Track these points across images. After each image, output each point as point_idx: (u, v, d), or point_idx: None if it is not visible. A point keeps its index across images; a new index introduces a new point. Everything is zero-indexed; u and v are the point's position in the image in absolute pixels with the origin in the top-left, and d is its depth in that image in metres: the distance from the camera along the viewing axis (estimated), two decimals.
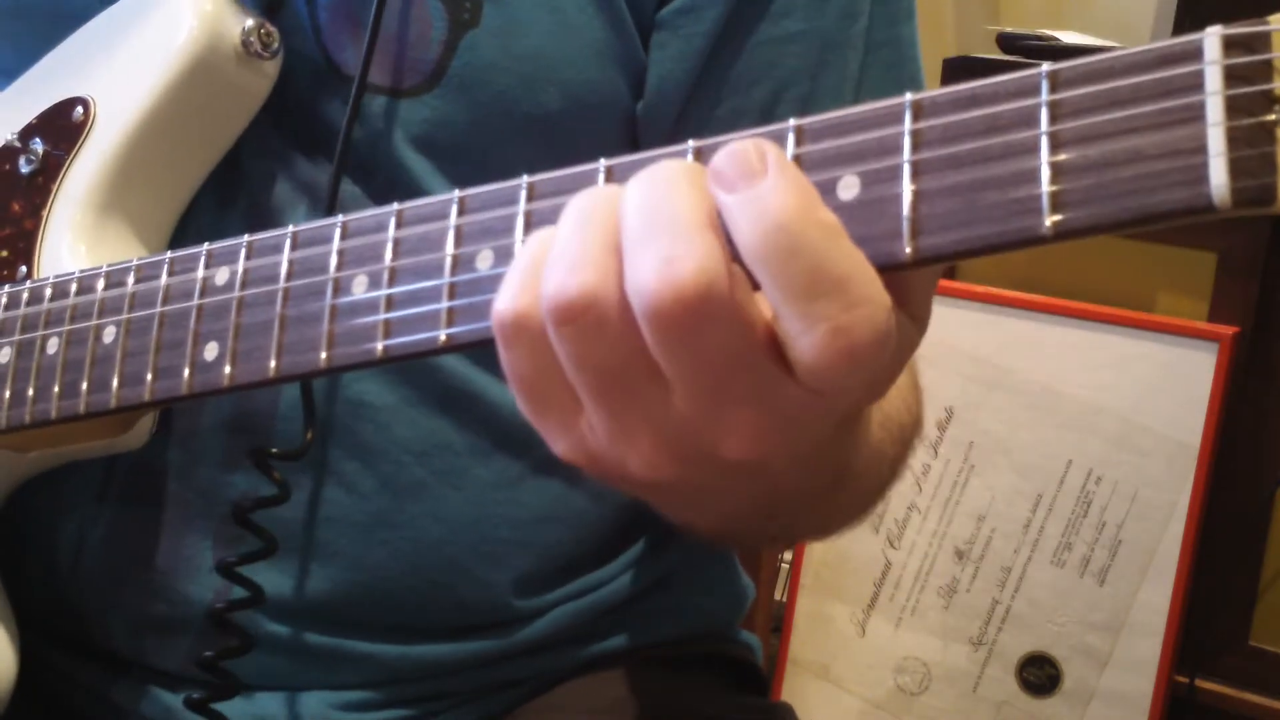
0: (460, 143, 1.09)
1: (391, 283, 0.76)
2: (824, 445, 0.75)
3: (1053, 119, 0.59)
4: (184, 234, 1.09)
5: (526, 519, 1.17)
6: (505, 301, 0.68)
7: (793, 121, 0.66)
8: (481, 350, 1.11)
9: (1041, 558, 2.69)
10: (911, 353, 0.72)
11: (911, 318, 0.70)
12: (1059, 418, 2.67)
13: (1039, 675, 2.69)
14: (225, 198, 1.10)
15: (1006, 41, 2.71)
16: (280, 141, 1.10)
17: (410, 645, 1.17)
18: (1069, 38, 2.73)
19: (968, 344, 2.70)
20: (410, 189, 1.08)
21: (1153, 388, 2.61)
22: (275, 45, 1.06)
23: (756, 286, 0.65)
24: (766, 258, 0.63)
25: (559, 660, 1.24)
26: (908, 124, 0.63)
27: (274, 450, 1.09)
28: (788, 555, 2.91)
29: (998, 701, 2.72)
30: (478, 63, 1.07)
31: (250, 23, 1.04)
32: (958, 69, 2.69)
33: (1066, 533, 2.67)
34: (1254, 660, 2.73)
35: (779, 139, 0.66)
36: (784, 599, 2.90)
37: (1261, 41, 0.54)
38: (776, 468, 0.73)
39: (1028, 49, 2.66)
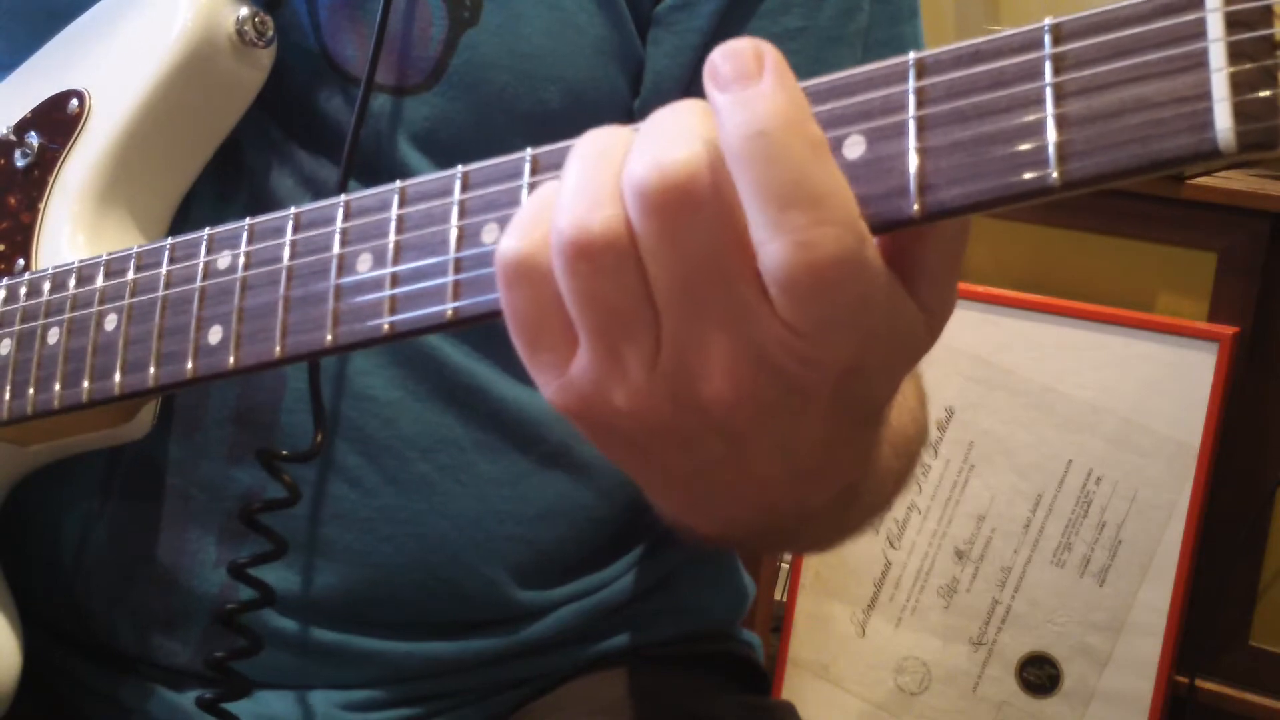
0: (461, 140, 1.09)
1: (396, 260, 0.76)
2: (825, 452, 0.74)
3: (1056, 71, 0.59)
4: (185, 227, 1.09)
5: (531, 515, 1.17)
6: (512, 240, 0.68)
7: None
8: (487, 340, 1.12)
9: (1041, 558, 2.69)
10: (919, 348, 0.71)
11: (923, 307, 0.68)
12: (1059, 418, 2.67)
13: (1039, 675, 2.69)
14: (226, 191, 1.10)
15: None
16: (281, 136, 1.10)
17: (416, 643, 1.17)
18: None
19: (968, 344, 2.71)
20: None
21: (1153, 388, 2.62)
22: (270, 34, 1.06)
23: None
24: (746, 160, 0.63)
25: (563, 659, 1.24)
26: (911, 82, 0.63)
27: (284, 453, 1.08)
28: (788, 555, 2.91)
29: (998, 701, 2.72)
30: (478, 61, 1.07)
31: (244, 11, 1.04)
32: None
33: (1066, 533, 2.67)
34: (1254, 660, 2.74)
35: None
36: (784, 599, 2.90)
37: None
38: (766, 457, 0.72)
39: None
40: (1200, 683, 2.71)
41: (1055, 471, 2.68)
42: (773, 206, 0.62)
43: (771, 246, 0.62)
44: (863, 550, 2.81)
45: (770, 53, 0.64)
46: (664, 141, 0.64)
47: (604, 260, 0.65)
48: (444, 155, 1.09)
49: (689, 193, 0.63)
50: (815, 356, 0.66)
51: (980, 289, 2.74)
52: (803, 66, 1.11)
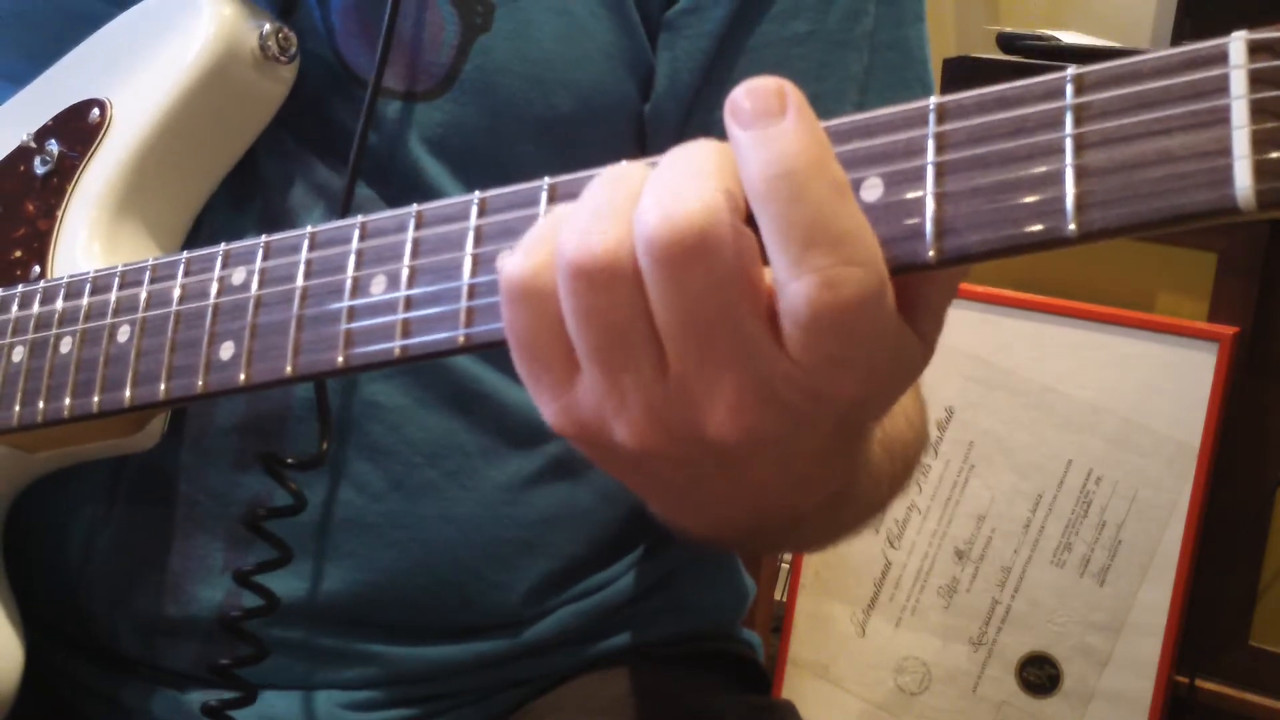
0: (473, 146, 1.09)
1: (411, 283, 0.76)
2: (819, 462, 0.75)
3: (1078, 121, 0.59)
4: (198, 235, 1.09)
5: (535, 520, 1.18)
6: (518, 258, 0.69)
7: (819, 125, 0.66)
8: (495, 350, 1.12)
9: (1041, 558, 2.69)
10: (917, 374, 0.71)
11: (920, 336, 0.69)
12: (1059, 418, 2.67)
13: (1039, 675, 2.69)
14: (240, 199, 1.10)
15: (1006, 41, 2.70)
16: (295, 144, 1.11)
17: (418, 645, 1.17)
18: (1069, 38, 2.72)
19: (968, 344, 2.71)
20: (425, 192, 1.08)
21: (1153, 388, 2.62)
22: (293, 50, 1.06)
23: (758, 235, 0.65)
24: (770, 199, 0.63)
25: (564, 660, 1.24)
26: (932, 126, 0.63)
27: (289, 460, 1.09)
28: (788, 555, 2.91)
29: (998, 701, 2.72)
30: (490, 66, 1.07)
31: (268, 26, 1.04)
32: (958, 69, 2.69)
33: (1066, 533, 2.67)
34: (1254, 660, 2.74)
35: None
36: (784, 599, 2.90)
37: None
38: (762, 471, 0.73)
39: (1028, 49, 2.66)
40: (1200, 683, 2.71)
41: (1055, 471, 2.68)
42: (796, 246, 0.63)
43: (794, 286, 0.63)
44: (863, 550, 2.81)
45: (793, 91, 0.65)
46: (677, 188, 0.65)
47: (601, 279, 0.66)
48: (456, 161, 1.09)
49: (699, 246, 0.63)
50: (823, 391, 0.67)
51: (980, 289, 2.74)
52: (810, 70, 1.12)
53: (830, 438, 0.72)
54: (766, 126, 0.64)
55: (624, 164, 0.69)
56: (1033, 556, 2.70)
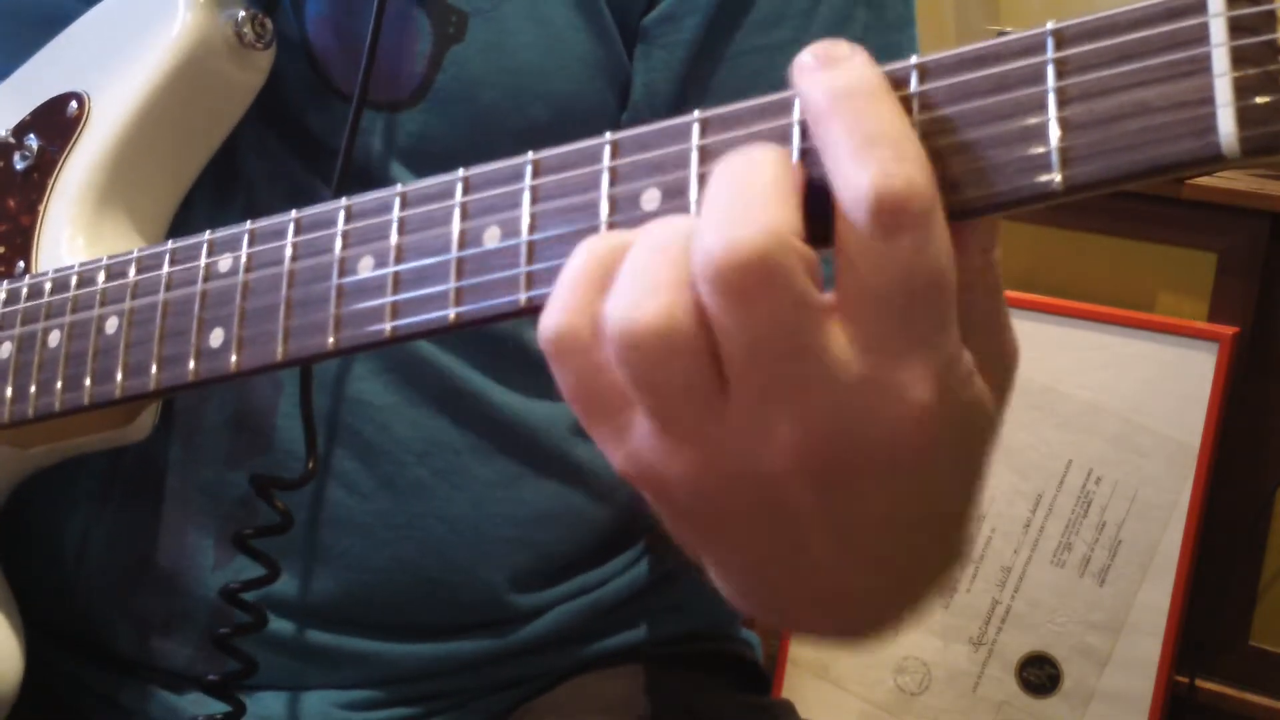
0: (448, 156, 1.07)
1: (398, 260, 0.76)
2: (886, 534, 0.68)
3: (1059, 75, 0.59)
4: (182, 232, 1.08)
5: (526, 518, 1.17)
6: (552, 315, 0.66)
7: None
8: (478, 349, 1.12)
9: (1041, 558, 2.69)
10: (990, 431, 0.67)
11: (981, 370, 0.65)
12: (1059, 418, 2.67)
13: (1039, 675, 2.69)
14: (223, 196, 1.10)
15: None
16: (276, 143, 1.10)
17: (412, 644, 1.17)
18: None
19: None
20: None
21: (1153, 388, 2.62)
22: (269, 36, 1.05)
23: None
24: (836, 113, 0.61)
25: (560, 659, 1.24)
26: (914, 86, 0.63)
27: (276, 479, 1.09)
28: None
29: (998, 701, 2.72)
30: (464, 77, 1.07)
31: (243, 14, 1.04)
32: None
33: (1066, 533, 2.67)
34: (1254, 660, 2.74)
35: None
36: None
37: None
38: (821, 538, 0.67)
39: None
40: (1200, 683, 2.71)
41: (1055, 471, 2.68)
42: (862, 145, 0.60)
43: (859, 177, 0.60)
44: None
45: (860, 50, 0.64)
46: (741, 206, 0.62)
47: (658, 351, 0.63)
48: (431, 170, 1.08)
49: (765, 268, 0.61)
50: (881, 378, 0.62)
51: None
52: None
53: (894, 501, 0.67)
54: (835, 64, 0.63)
55: (667, 226, 0.66)
56: (1033, 556, 2.70)
